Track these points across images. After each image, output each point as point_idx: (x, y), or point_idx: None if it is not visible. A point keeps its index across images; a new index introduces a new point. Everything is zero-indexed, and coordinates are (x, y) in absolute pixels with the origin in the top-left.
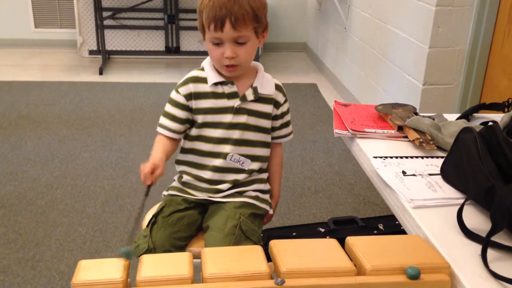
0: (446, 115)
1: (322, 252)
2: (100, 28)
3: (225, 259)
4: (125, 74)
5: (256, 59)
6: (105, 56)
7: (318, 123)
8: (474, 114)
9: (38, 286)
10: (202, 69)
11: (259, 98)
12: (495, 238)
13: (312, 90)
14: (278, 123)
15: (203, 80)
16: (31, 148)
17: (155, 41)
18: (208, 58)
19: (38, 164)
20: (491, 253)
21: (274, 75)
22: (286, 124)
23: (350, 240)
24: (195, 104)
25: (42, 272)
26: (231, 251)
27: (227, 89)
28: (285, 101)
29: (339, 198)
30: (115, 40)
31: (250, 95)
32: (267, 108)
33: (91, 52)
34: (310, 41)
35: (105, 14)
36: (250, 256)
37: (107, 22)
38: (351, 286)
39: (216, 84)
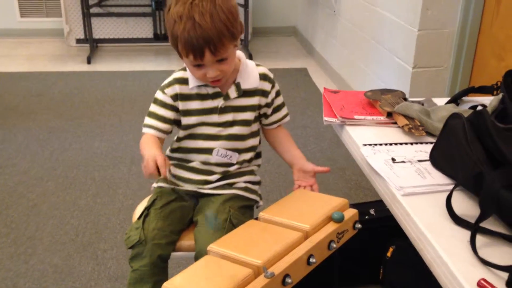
0: (435, 99)
1: (265, 235)
2: (86, 16)
3: (206, 279)
4: (113, 62)
5: (246, 45)
6: (93, 45)
7: (309, 108)
8: (463, 98)
9: (31, 280)
10: (185, 69)
11: (244, 93)
12: (485, 224)
13: (302, 74)
14: (270, 110)
15: (187, 82)
16: (21, 140)
17: (143, 28)
18: None
19: (28, 156)
20: (480, 239)
21: (263, 60)
22: (279, 108)
23: (264, 215)
24: (182, 105)
25: (35, 265)
26: (200, 270)
27: (210, 89)
28: (273, 87)
29: (330, 183)
30: (102, 28)
31: (233, 93)
32: (253, 101)
33: (79, 41)
34: (299, 25)
35: (91, 1)
36: (223, 267)
37: (93, 10)
38: (310, 250)
39: (200, 86)
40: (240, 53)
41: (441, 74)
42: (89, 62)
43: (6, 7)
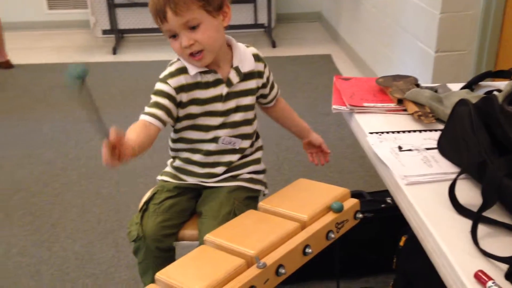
0: (451, 85)
1: (261, 225)
2: (111, 7)
3: (198, 269)
4: (138, 52)
5: (269, 32)
6: (118, 35)
7: (332, 95)
8: (480, 83)
9: (54, 266)
10: (178, 59)
11: (244, 76)
12: (488, 214)
13: (326, 61)
14: (267, 89)
15: (188, 71)
16: (47, 131)
17: None
18: None
19: (53, 146)
20: (482, 229)
21: (287, 47)
22: (273, 85)
23: (264, 205)
24: (186, 96)
25: (57, 252)
26: (193, 260)
27: (211, 77)
28: (265, 66)
29: (350, 171)
30: (127, 18)
31: (234, 78)
32: (252, 84)
33: (105, 32)
34: (324, 11)
35: None
36: (215, 257)
37: (118, 0)
38: (306, 240)
39: (200, 73)
40: (229, 37)
41: (465, 59)
42: (114, 52)
43: (35, 0)
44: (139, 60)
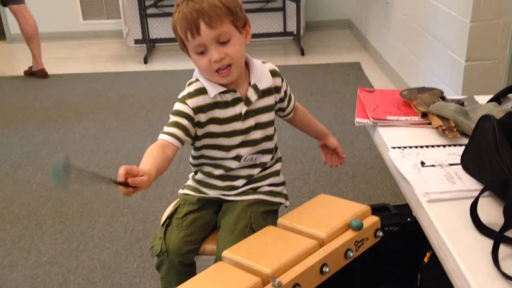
0: (478, 97)
1: (279, 242)
2: (143, 17)
3: (212, 287)
4: (169, 62)
5: (298, 40)
6: (150, 45)
7: None
8: (509, 95)
9: (81, 275)
10: (197, 80)
11: (262, 93)
12: (511, 234)
13: (355, 69)
14: (285, 103)
15: (206, 91)
16: (79, 139)
17: None
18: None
19: (85, 155)
20: (504, 250)
21: (315, 55)
22: (290, 97)
23: (283, 221)
24: (205, 116)
25: (85, 262)
26: (209, 277)
27: (229, 96)
28: (282, 80)
29: (377, 182)
30: (159, 28)
31: (253, 96)
32: (271, 100)
33: (137, 41)
34: (354, 18)
35: (148, 2)
36: (232, 274)
37: (150, 10)
38: (324, 259)
39: (219, 93)
40: (246, 55)
41: (496, 68)
42: (145, 62)
43: (70, 11)
44: (168, 69)
